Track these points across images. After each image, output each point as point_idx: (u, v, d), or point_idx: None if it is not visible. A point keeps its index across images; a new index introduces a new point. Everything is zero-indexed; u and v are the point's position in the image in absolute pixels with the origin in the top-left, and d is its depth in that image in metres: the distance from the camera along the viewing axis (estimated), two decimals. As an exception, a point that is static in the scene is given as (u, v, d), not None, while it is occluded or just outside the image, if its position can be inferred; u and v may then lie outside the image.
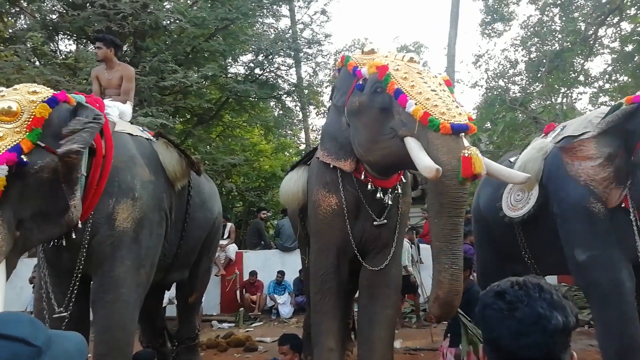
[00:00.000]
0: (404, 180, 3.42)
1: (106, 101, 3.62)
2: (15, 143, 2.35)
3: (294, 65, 12.93)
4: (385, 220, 3.31)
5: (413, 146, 2.63)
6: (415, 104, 2.64)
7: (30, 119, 2.46)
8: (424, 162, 2.51)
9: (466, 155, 2.46)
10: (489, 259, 4.30)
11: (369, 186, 3.19)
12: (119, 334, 3.02)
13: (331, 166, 3.28)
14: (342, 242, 3.35)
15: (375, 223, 3.29)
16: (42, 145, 2.49)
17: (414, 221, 9.39)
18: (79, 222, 2.78)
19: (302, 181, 3.78)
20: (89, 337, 3.24)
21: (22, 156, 2.35)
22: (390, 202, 3.26)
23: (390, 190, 3.27)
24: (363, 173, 3.18)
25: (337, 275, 3.40)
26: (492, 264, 4.22)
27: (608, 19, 13.16)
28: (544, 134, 4.01)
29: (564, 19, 13.91)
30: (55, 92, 2.70)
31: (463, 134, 2.57)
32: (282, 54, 11.66)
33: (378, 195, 3.20)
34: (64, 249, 2.93)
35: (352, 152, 3.13)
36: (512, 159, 3.98)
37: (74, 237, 2.83)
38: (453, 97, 2.81)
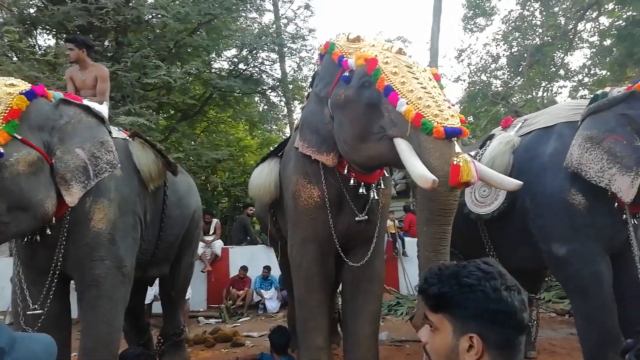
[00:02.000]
0: (386, 175, 3.36)
1: (84, 101, 3.59)
2: None
3: (278, 60, 12.89)
4: (367, 216, 3.23)
5: (404, 149, 2.52)
6: (407, 103, 2.51)
7: (7, 111, 2.44)
8: (418, 170, 2.40)
9: (455, 163, 2.36)
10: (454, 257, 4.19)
11: (352, 181, 3.10)
12: (104, 328, 3.01)
13: (312, 157, 3.15)
14: (325, 235, 3.24)
15: (357, 219, 3.21)
16: (19, 137, 2.48)
17: (397, 215, 9.49)
18: (54, 218, 2.76)
19: (274, 173, 3.66)
20: (70, 335, 3.24)
21: None
22: (375, 197, 3.19)
23: (373, 185, 3.19)
24: (346, 167, 3.07)
25: (321, 269, 3.31)
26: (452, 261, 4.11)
27: (587, 13, 13.40)
28: (502, 128, 3.97)
29: (544, 13, 14.13)
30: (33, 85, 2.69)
31: (456, 138, 2.46)
32: (266, 48, 11.61)
33: (361, 190, 3.12)
34: (39, 246, 2.90)
35: (334, 145, 3.00)
36: (472, 153, 3.84)
37: (49, 233, 2.80)
38: (443, 94, 2.71)
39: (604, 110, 3.03)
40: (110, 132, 3.17)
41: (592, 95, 3.39)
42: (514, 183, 2.73)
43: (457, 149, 2.44)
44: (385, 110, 2.63)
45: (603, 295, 3.01)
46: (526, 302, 1.00)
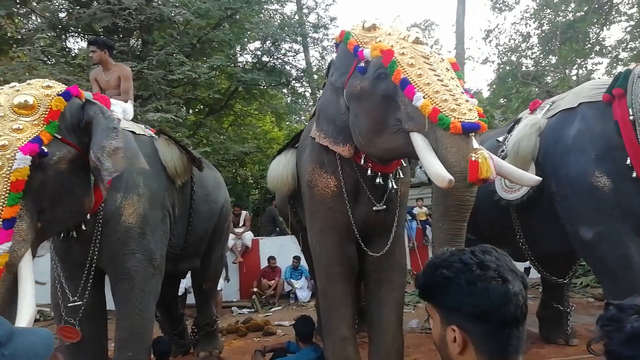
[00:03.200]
0: (404, 164, 3.31)
1: (111, 100, 3.68)
2: (35, 135, 2.43)
3: (301, 50, 12.88)
4: (385, 206, 3.19)
5: (421, 145, 2.50)
6: (424, 97, 2.46)
7: (47, 112, 2.52)
8: (435, 169, 2.37)
9: (473, 159, 2.32)
10: (473, 244, 3.98)
11: (369, 171, 3.07)
12: (137, 320, 3.12)
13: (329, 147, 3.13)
14: (344, 225, 3.21)
15: (374, 208, 3.17)
16: (59, 137, 2.57)
17: (427, 202, 9.38)
18: (89, 214, 2.87)
19: (291, 165, 3.66)
20: (106, 326, 3.38)
21: (43, 147, 2.42)
22: (394, 187, 3.15)
23: (391, 175, 3.15)
24: (363, 157, 3.04)
25: (341, 259, 3.26)
26: None
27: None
28: (530, 111, 3.86)
29: (577, -13, 13.51)
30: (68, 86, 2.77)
31: (473, 133, 2.40)
32: (288, 39, 11.59)
33: (378, 180, 3.09)
34: (74, 241, 3.01)
35: (351, 136, 2.96)
36: (500, 139, 3.84)
37: (84, 228, 2.91)
38: (462, 85, 2.66)
39: None
40: (133, 132, 3.27)
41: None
42: (533, 179, 2.69)
43: (475, 144, 2.39)
44: (401, 103, 2.59)
45: (634, 278, 2.91)
46: (517, 293, 0.95)
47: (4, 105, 2.47)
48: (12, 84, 2.69)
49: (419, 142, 2.51)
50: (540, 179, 2.68)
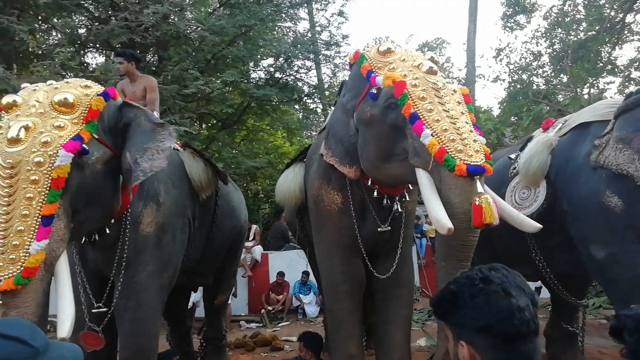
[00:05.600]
0: (410, 187, 3.29)
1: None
2: (75, 133, 2.42)
3: (313, 67, 13.04)
4: (390, 227, 3.19)
5: (425, 184, 2.53)
6: (432, 134, 2.47)
7: (87, 111, 2.52)
8: (436, 213, 2.39)
9: (477, 203, 2.32)
10: (486, 262, 3.94)
11: (375, 192, 3.08)
12: (143, 339, 3.07)
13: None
14: (350, 241, 3.22)
15: (379, 229, 3.17)
16: (96, 137, 2.56)
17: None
18: (114, 218, 2.85)
19: (299, 179, 3.69)
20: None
21: (84, 145, 2.42)
22: (399, 210, 3.17)
23: (397, 197, 3.17)
24: (370, 179, 3.06)
25: (348, 276, 3.24)
26: None
27: (636, 4, 12.75)
28: (542, 129, 3.83)
29: (588, 7, 13.55)
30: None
31: (478, 176, 2.41)
32: (301, 56, 11.76)
33: (384, 202, 3.11)
34: (92, 246, 2.98)
35: (358, 159, 2.97)
36: (512, 156, 3.84)
37: (107, 232, 2.87)
38: (472, 119, 2.66)
39: (632, 109, 2.91)
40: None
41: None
42: (534, 226, 2.68)
43: (479, 188, 2.40)
44: (409, 135, 2.61)
45: None
46: (521, 308, 0.96)
47: (44, 102, 2.46)
48: (50, 81, 2.68)
49: (423, 179, 2.53)
50: (541, 226, 2.67)
